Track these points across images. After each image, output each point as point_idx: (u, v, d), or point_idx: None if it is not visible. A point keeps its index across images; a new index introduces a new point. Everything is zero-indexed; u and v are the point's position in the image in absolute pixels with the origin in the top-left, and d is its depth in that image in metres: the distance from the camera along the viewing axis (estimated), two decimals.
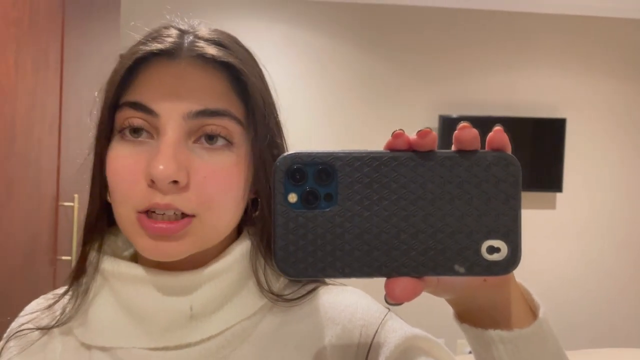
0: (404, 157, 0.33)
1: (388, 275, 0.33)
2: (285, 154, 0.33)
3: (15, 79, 1.17)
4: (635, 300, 3.24)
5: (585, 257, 3.23)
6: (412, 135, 0.34)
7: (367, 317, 0.51)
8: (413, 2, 3.11)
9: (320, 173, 0.33)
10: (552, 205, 3.21)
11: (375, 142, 3.03)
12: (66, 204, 1.47)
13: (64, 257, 1.46)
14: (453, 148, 0.34)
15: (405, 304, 0.34)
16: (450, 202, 0.33)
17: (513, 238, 0.33)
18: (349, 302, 0.52)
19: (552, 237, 3.21)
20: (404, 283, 0.33)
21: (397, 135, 0.33)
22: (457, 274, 0.33)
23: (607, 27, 3.18)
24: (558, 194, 3.17)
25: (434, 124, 3.10)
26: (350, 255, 0.33)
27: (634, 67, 3.18)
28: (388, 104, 3.15)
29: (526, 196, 3.17)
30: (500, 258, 0.33)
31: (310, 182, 0.33)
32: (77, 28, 1.51)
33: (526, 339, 0.37)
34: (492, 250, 0.33)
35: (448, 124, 3.04)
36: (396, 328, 0.50)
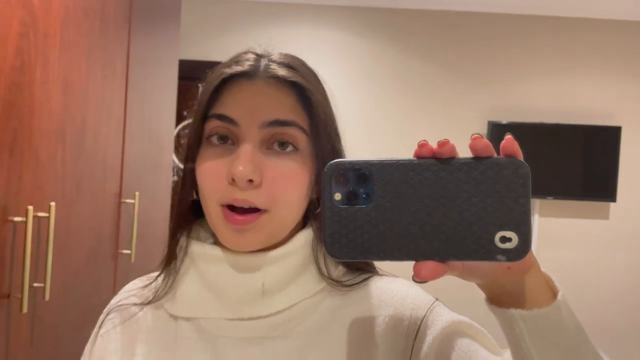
0: (427, 163, 0.39)
1: (416, 259, 0.39)
2: (332, 161, 0.41)
3: (86, 83, 1.25)
4: None
5: (638, 268, 3.10)
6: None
7: (417, 302, 0.57)
8: (464, 7, 3.07)
9: (359, 177, 0.40)
10: (605, 216, 3.11)
11: (415, 144, 3.04)
12: (128, 200, 1.54)
13: (124, 251, 1.53)
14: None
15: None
16: (467, 200, 0.38)
17: (523, 229, 0.38)
18: (401, 289, 0.59)
19: (605, 248, 3.10)
20: (428, 265, 0.38)
21: (422, 145, 0.39)
22: (473, 259, 0.38)
23: None
24: (612, 204, 3.06)
25: (482, 130, 3.05)
26: (384, 243, 0.39)
27: None
28: (438, 110, 3.13)
29: (579, 205, 3.07)
30: (512, 246, 0.38)
31: (351, 184, 0.40)
32: (141, 36, 1.58)
33: (544, 317, 0.41)
34: (505, 239, 0.38)
35: (497, 130, 2.99)
36: (443, 313, 0.56)
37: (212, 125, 0.56)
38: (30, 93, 1.01)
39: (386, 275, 0.62)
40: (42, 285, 1.06)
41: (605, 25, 3.07)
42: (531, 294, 0.42)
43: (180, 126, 2.92)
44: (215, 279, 0.57)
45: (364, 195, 0.40)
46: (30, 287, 1.02)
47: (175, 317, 0.60)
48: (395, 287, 0.60)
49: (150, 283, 0.63)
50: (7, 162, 0.95)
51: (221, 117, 0.55)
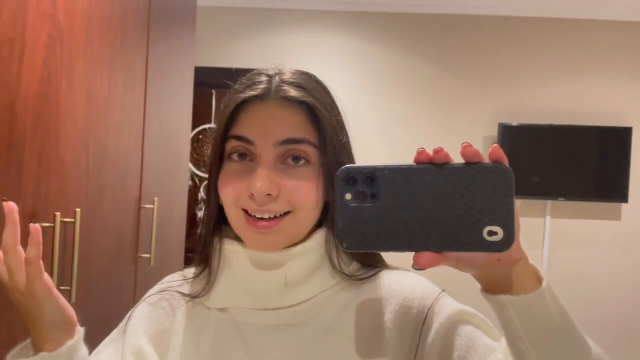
0: (425, 167, 0.45)
1: (415, 250, 0.45)
2: (343, 166, 0.46)
3: (107, 93, 1.28)
4: None
5: None
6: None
7: (425, 292, 0.64)
8: (474, 11, 3.09)
9: (366, 179, 0.45)
10: (617, 216, 3.10)
11: (431, 146, 3.06)
12: (147, 206, 1.58)
13: (144, 255, 1.57)
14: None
15: None
16: (459, 199, 0.44)
17: (508, 224, 0.43)
18: (410, 280, 0.66)
19: (617, 248, 3.09)
20: (426, 256, 0.44)
21: (420, 152, 0.45)
22: (464, 250, 0.44)
23: None
24: (623, 205, 3.05)
25: (493, 132, 3.06)
26: (387, 236, 0.45)
27: None
28: (449, 113, 3.15)
29: (590, 206, 3.07)
30: (498, 239, 0.43)
31: (359, 186, 0.45)
32: (159, 45, 1.62)
33: (529, 301, 0.47)
34: (492, 233, 0.43)
35: (508, 132, 3.00)
36: (449, 303, 0.62)
37: (232, 145, 0.63)
38: (56, 103, 1.04)
39: (396, 269, 0.68)
40: (68, 288, 1.09)
41: (614, 27, 3.07)
42: (519, 283, 0.47)
43: (195, 131, 2.95)
44: (244, 273, 0.65)
45: (370, 195, 0.45)
46: (58, 290, 1.06)
47: (209, 308, 0.68)
48: (404, 279, 0.66)
49: (187, 278, 0.71)
50: (36, 170, 0.99)
51: (239, 138, 0.62)
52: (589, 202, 3.06)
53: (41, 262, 0.60)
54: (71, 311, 0.63)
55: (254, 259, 0.64)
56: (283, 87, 0.62)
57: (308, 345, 0.62)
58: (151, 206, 1.60)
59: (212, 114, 3.20)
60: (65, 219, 1.07)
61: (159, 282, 0.75)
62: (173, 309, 0.70)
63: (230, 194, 0.62)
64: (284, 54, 3.17)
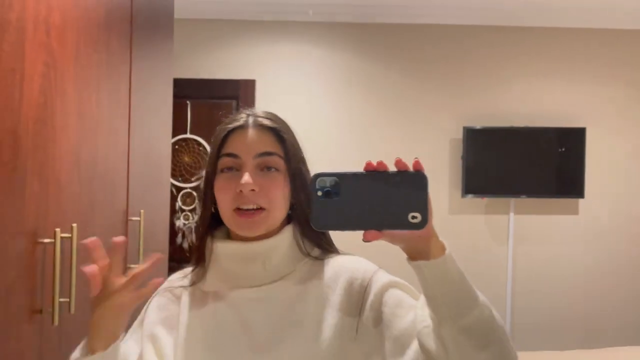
0: (370, 174, 0.65)
1: (364, 229, 0.65)
2: (317, 172, 0.66)
3: (96, 113, 1.34)
4: None
5: (607, 258, 3.28)
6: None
7: (367, 268, 0.86)
8: (436, 20, 3.22)
9: (332, 182, 0.65)
10: (575, 211, 3.27)
11: (406, 152, 3.16)
12: (134, 218, 1.63)
13: (132, 265, 1.62)
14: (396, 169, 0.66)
15: None
16: (394, 195, 0.64)
17: (424, 212, 0.64)
18: (356, 261, 0.88)
19: (575, 241, 3.27)
20: (371, 233, 0.65)
21: (368, 164, 0.65)
22: (396, 229, 0.65)
23: (626, 39, 3.24)
24: (580, 200, 3.23)
25: (459, 136, 3.19)
26: (346, 220, 0.65)
27: None
28: (417, 118, 3.27)
29: (550, 203, 3.23)
30: (417, 221, 0.64)
31: (328, 184, 0.65)
32: (141, 62, 1.67)
33: (436, 264, 0.67)
34: (413, 217, 0.64)
35: (472, 135, 3.14)
36: (383, 275, 0.84)
37: (223, 161, 0.84)
38: (52, 126, 1.10)
39: (346, 254, 0.90)
40: (67, 300, 1.14)
41: (569, 34, 3.25)
42: (431, 252, 0.67)
43: (172, 140, 2.99)
44: (232, 264, 0.86)
45: (334, 193, 0.65)
46: (58, 302, 1.11)
47: (205, 293, 0.87)
48: (352, 259, 0.88)
49: (186, 275, 0.92)
50: (37, 189, 1.04)
51: (229, 155, 0.83)
52: (549, 199, 3.22)
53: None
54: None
55: (239, 253, 0.85)
56: (258, 119, 0.86)
57: (284, 308, 0.83)
58: (138, 218, 1.65)
59: (187, 125, 3.24)
60: (63, 235, 1.12)
61: (166, 281, 0.94)
62: (177, 297, 0.90)
63: (225, 195, 0.82)
64: (256, 64, 3.24)
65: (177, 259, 2.96)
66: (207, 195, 0.86)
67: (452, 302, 0.67)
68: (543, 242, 3.27)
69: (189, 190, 3.31)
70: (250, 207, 0.81)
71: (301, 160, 0.88)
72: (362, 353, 0.79)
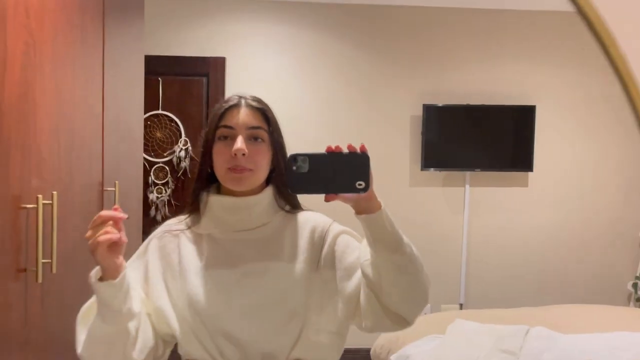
0: (329, 154, 0.85)
1: (325, 193, 0.85)
2: (292, 153, 0.84)
3: (73, 89, 1.41)
4: (599, 262, 3.52)
5: (552, 226, 3.50)
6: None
7: (325, 221, 1.08)
8: (400, 2, 3.32)
9: (303, 158, 0.84)
10: (525, 184, 3.47)
11: (369, 127, 3.26)
12: (109, 189, 1.71)
13: None
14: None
15: None
16: (346, 168, 0.84)
17: (367, 180, 0.84)
18: (317, 216, 1.09)
19: (525, 211, 3.47)
20: (330, 196, 0.85)
21: (328, 147, 0.84)
22: (347, 192, 0.85)
23: (573, 21, 3.40)
24: (530, 173, 3.42)
25: (418, 112, 3.33)
26: (312, 187, 0.84)
27: (594, 58, 3.41)
28: (377, 95, 3.39)
29: (503, 176, 3.42)
30: (362, 187, 0.84)
31: (300, 162, 0.84)
32: (113, 40, 1.73)
33: (374, 217, 0.88)
34: (359, 184, 0.84)
35: (431, 112, 3.28)
36: (337, 226, 1.07)
37: (221, 131, 1.02)
38: (33, 101, 1.17)
39: (309, 210, 1.11)
40: (49, 261, 1.24)
41: (523, 16, 3.39)
42: (372, 209, 0.88)
43: (144, 116, 3.03)
44: (224, 213, 1.04)
45: (304, 168, 0.84)
46: (41, 262, 1.20)
47: (200, 235, 1.06)
48: (315, 214, 1.10)
49: (181, 221, 1.09)
50: (20, 160, 1.12)
51: (226, 126, 1.02)
52: (501, 172, 3.41)
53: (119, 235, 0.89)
54: (121, 265, 0.93)
55: (231, 205, 1.04)
56: (248, 100, 1.05)
57: (264, 246, 1.04)
58: (113, 189, 1.73)
59: (159, 101, 3.28)
60: (45, 201, 1.21)
61: (162, 225, 1.11)
62: (176, 236, 1.07)
63: (222, 157, 1.01)
64: (226, 42, 3.29)
65: (150, 231, 3.05)
66: (205, 158, 1.04)
67: (385, 242, 0.90)
68: (495, 212, 3.47)
69: (161, 164, 3.36)
70: (240, 166, 1.00)
71: (280, 135, 1.07)
72: (321, 280, 1.04)
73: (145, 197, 3.27)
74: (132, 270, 1.02)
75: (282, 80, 3.32)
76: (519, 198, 3.47)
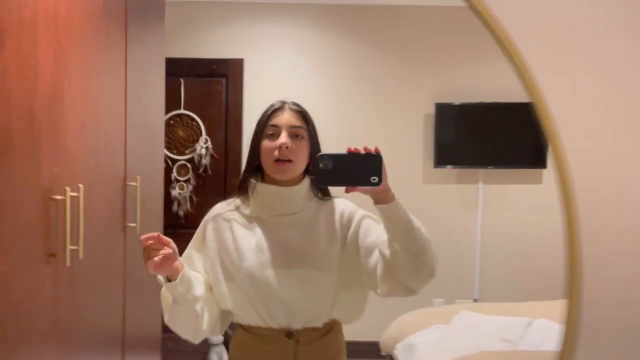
0: (349, 154, 1.05)
1: (346, 186, 1.06)
2: (320, 153, 1.11)
3: (97, 89, 1.53)
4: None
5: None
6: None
7: (352, 207, 1.28)
8: (411, 2, 3.38)
9: (329, 157, 1.05)
10: (539, 181, 3.49)
11: (383, 126, 3.35)
12: (131, 183, 1.83)
13: (130, 224, 1.83)
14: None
15: None
16: (362, 166, 1.04)
17: (380, 176, 1.03)
18: (345, 202, 1.29)
19: (539, 208, 3.49)
20: (349, 188, 1.06)
21: (348, 149, 1.05)
22: (365, 185, 1.05)
23: None
24: (544, 170, 3.44)
25: (431, 111, 3.39)
26: (336, 181, 1.07)
27: None
28: (392, 95, 3.46)
29: (516, 173, 3.46)
30: (376, 182, 1.04)
31: (325, 160, 1.05)
32: (135, 44, 1.85)
33: (390, 206, 1.07)
34: (374, 179, 1.04)
35: (444, 110, 3.34)
36: (362, 211, 1.26)
37: (268, 129, 1.23)
38: (61, 102, 1.29)
39: (338, 198, 1.30)
40: (77, 247, 1.36)
41: None
42: (387, 199, 1.07)
43: (166, 117, 3.17)
44: (271, 199, 1.25)
45: (330, 165, 1.04)
46: (69, 249, 1.32)
47: (250, 217, 1.26)
48: (343, 201, 1.30)
49: (230, 204, 1.30)
50: (50, 155, 1.24)
51: (273, 125, 1.23)
52: (515, 169, 3.44)
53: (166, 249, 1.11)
54: (178, 267, 1.15)
55: (276, 193, 1.24)
56: (290, 105, 1.26)
57: (304, 228, 1.25)
58: (135, 184, 1.85)
59: (181, 101, 3.41)
60: (72, 194, 1.33)
61: (213, 209, 1.30)
62: (228, 220, 1.27)
63: (269, 150, 1.21)
64: (244, 44, 3.41)
65: (173, 225, 3.19)
66: (254, 151, 1.26)
67: (398, 227, 1.09)
68: (509, 209, 3.50)
69: (183, 162, 3.50)
70: (284, 158, 1.20)
71: (316, 134, 1.27)
72: (348, 255, 1.25)
73: (168, 193, 3.41)
74: (194, 256, 1.27)
75: (297, 80, 3.42)
76: (532, 195, 3.49)
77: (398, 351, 2.11)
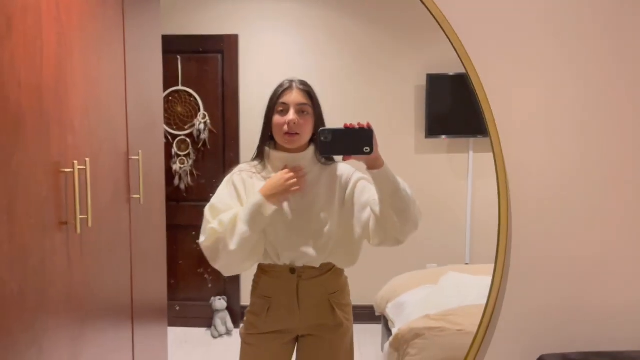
0: (346, 128, 1.30)
1: (344, 155, 1.32)
2: (321, 128, 1.34)
3: (98, 69, 1.61)
4: None
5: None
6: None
7: (350, 170, 1.51)
8: None
9: (329, 132, 1.31)
10: None
11: (376, 98, 3.41)
12: (133, 157, 1.93)
13: (134, 196, 1.93)
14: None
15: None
16: (356, 138, 1.29)
17: (371, 146, 1.28)
18: (344, 166, 1.52)
19: None
20: (346, 157, 1.34)
21: (345, 124, 1.30)
22: (359, 154, 1.30)
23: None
24: None
25: (423, 82, 3.46)
26: (335, 150, 1.34)
27: None
28: (384, 67, 3.52)
29: None
30: (369, 151, 1.29)
31: (326, 134, 1.30)
32: (132, 23, 1.92)
33: (380, 172, 1.32)
34: (366, 149, 1.28)
35: (435, 81, 3.40)
36: (358, 173, 1.49)
37: (279, 106, 1.45)
38: (65, 82, 1.38)
39: (339, 162, 1.52)
40: (86, 217, 1.46)
41: None
42: (377, 166, 1.31)
43: (165, 93, 3.25)
44: (282, 164, 1.48)
45: (330, 137, 1.28)
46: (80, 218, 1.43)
47: (265, 177, 1.50)
48: (343, 165, 1.51)
49: (251, 166, 1.54)
50: (58, 132, 1.34)
51: (282, 103, 1.45)
52: None
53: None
54: None
55: (287, 158, 1.48)
56: (297, 84, 1.47)
57: (309, 188, 1.47)
58: (137, 157, 1.95)
59: (179, 78, 3.48)
60: (80, 167, 1.43)
61: (236, 167, 1.55)
62: (250, 177, 1.51)
63: (279, 124, 1.44)
64: (239, 20, 3.46)
65: (175, 199, 3.30)
66: (267, 125, 1.49)
67: (387, 188, 1.33)
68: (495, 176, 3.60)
69: (183, 137, 3.59)
70: (292, 132, 1.43)
71: (320, 109, 1.48)
72: (345, 211, 1.49)
73: (170, 168, 3.50)
74: (231, 203, 1.48)
75: (290, 55, 3.48)
76: None
77: (389, 310, 2.24)
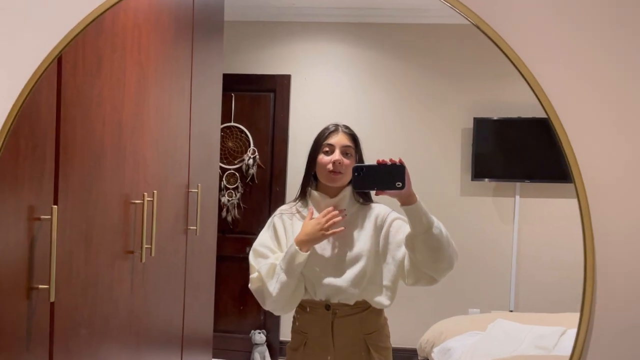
0: (379, 165, 1.33)
1: (377, 190, 1.35)
2: (356, 164, 1.41)
3: (168, 106, 1.68)
4: None
5: None
6: None
7: (386, 210, 1.51)
8: (450, 20, 3.45)
9: (362, 168, 1.36)
10: (573, 195, 3.48)
11: (422, 140, 3.40)
12: (193, 190, 1.98)
13: (191, 227, 1.97)
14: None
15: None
16: (389, 173, 1.31)
17: (403, 181, 1.30)
18: (381, 206, 1.52)
19: (573, 221, 3.48)
20: (379, 192, 1.36)
21: (378, 160, 1.34)
22: (392, 189, 1.31)
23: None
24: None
25: (470, 125, 3.44)
26: (368, 186, 1.40)
27: None
28: (430, 110, 3.53)
29: (552, 187, 3.44)
30: (401, 186, 1.30)
31: (360, 170, 1.35)
32: (198, 64, 2.01)
33: (413, 208, 1.34)
34: (399, 184, 1.30)
35: (482, 125, 3.38)
36: (394, 213, 1.49)
37: (324, 146, 1.50)
38: (141, 119, 1.45)
39: (376, 203, 1.53)
40: (149, 246, 1.51)
41: None
42: (410, 201, 1.33)
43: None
44: (320, 204, 1.51)
45: (363, 173, 1.33)
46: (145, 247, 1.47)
47: (305, 216, 1.51)
48: (379, 205, 1.53)
49: (291, 206, 1.57)
50: (132, 165, 1.39)
51: (328, 144, 1.50)
52: (550, 183, 3.45)
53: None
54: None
55: (325, 200, 1.50)
56: (342, 128, 1.53)
57: (347, 227, 1.48)
58: (196, 190, 2.00)
59: (232, 114, 3.59)
60: (148, 199, 1.48)
61: (279, 208, 1.59)
62: (290, 218, 1.54)
63: (324, 164, 1.48)
64: (291, 61, 3.56)
65: (221, 230, 3.35)
66: (311, 164, 1.53)
67: (421, 224, 1.35)
68: (546, 222, 3.50)
69: (232, 171, 3.66)
70: (337, 171, 1.47)
71: (361, 152, 1.54)
72: (381, 251, 1.50)
73: (218, 200, 3.57)
74: (270, 244, 1.53)
75: (341, 95, 3.54)
76: (568, 208, 3.48)
77: (435, 355, 2.17)
